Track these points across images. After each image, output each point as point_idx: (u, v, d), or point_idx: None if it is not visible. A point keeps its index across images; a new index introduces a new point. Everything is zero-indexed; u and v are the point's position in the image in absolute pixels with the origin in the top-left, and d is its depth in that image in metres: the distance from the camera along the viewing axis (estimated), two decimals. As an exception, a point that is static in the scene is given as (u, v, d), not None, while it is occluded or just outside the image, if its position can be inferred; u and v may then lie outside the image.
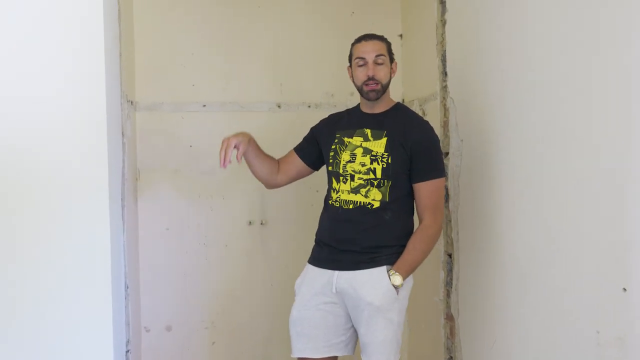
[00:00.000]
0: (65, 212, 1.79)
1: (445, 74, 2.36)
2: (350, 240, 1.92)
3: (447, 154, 2.34)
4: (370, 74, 1.92)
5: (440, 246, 2.40)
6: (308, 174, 2.18)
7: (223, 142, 1.93)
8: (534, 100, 1.74)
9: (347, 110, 2.14)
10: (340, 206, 1.95)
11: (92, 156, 1.79)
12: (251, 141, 2.02)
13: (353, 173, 1.93)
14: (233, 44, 2.78)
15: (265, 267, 2.83)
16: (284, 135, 2.63)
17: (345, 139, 1.99)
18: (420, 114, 2.65)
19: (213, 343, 2.80)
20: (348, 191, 1.94)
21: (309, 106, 2.85)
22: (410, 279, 1.96)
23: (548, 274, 1.69)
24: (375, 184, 1.91)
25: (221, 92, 2.76)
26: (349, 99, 2.80)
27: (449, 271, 2.34)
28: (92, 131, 1.79)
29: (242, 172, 2.56)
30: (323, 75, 2.84)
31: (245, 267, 2.81)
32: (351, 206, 1.93)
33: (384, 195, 1.91)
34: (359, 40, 1.98)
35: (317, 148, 2.11)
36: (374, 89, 1.94)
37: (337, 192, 1.97)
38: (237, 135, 1.98)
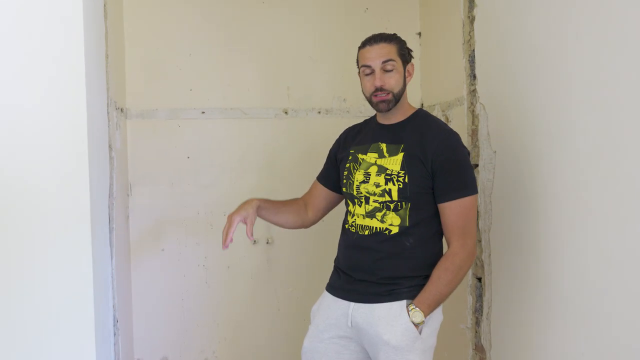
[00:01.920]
0: (39, 242, 1.56)
1: (473, 76, 2.20)
2: (366, 270, 1.77)
3: (476, 165, 2.18)
4: (378, 84, 1.74)
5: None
6: (339, 201, 2.01)
7: (227, 220, 1.82)
8: (580, 106, 1.56)
9: (365, 121, 1.96)
10: (356, 231, 1.81)
11: (70, 176, 1.56)
12: (261, 206, 1.91)
13: (367, 195, 1.78)
14: (235, 44, 2.66)
15: (272, 291, 2.70)
16: (291, 145, 2.68)
17: (359, 156, 1.84)
18: (443, 120, 2.48)
19: (214, 376, 2.66)
20: (363, 215, 1.79)
21: (319, 112, 2.72)
22: (438, 313, 1.78)
23: (603, 306, 1.51)
24: (392, 207, 1.74)
25: (222, 97, 2.64)
26: (364, 104, 2.66)
27: (479, 297, 2.19)
28: (71, 147, 1.56)
29: (245, 185, 2.59)
30: (334, 78, 2.71)
31: (250, 291, 2.68)
32: (367, 232, 1.78)
33: (402, 219, 1.74)
34: (363, 44, 1.79)
35: (338, 170, 1.96)
36: (383, 100, 1.76)
37: (353, 215, 1.83)
38: (240, 209, 1.86)
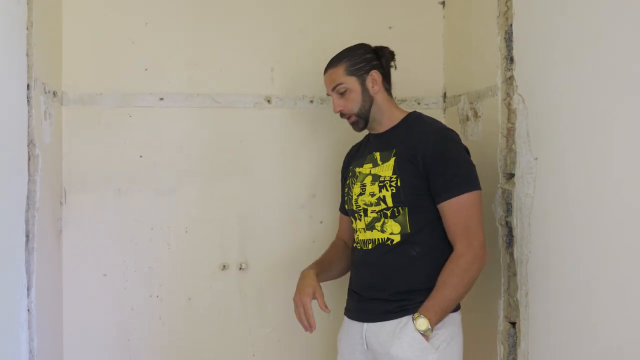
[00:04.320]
0: None
1: (510, 59, 2.18)
2: (375, 287, 2.06)
3: (512, 175, 2.16)
4: (335, 110, 2.15)
5: (497, 308, 2.22)
6: None
7: (296, 305, 2.05)
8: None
9: (366, 135, 2.27)
10: (361, 248, 2.11)
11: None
12: (317, 272, 2.12)
13: (365, 207, 2.08)
14: (204, 11, 2.63)
15: (246, 331, 2.65)
16: (275, 142, 2.68)
17: (357, 170, 2.16)
18: (471, 115, 2.50)
19: None
20: (364, 229, 2.10)
21: (312, 101, 2.69)
22: (457, 330, 2.02)
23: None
24: (389, 214, 2.03)
25: (186, 79, 2.62)
26: None
27: (512, 346, 2.16)
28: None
29: (215, 193, 2.64)
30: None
31: (217, 330, 2.64)
32: (370, 246, 2.08)
33: (403, 226, 2.02)
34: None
35: None
36: (352, 122, 2.16)
37: (356, 232, 2.15)
38: (304, 287, 2.07)
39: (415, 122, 2.11)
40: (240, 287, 2.63)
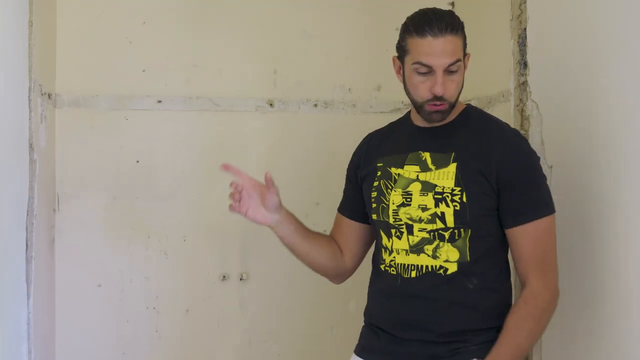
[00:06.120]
0: None
1: (524, 64, 2.19)
2: (419, 326, 1.76)
3: None
4: (439, 91, 1.70)
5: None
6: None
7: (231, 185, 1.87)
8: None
9: (392, 125, 1.94)
10: (398, 274, 1.79)
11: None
12: (289, 214, 1.93)
13: (410, 222, 1.76)
14: (204, 10, 2.65)
15: (246, 344, 2.67)
16: (277, 147, 2.67)
17: (393, 171, 1.81)
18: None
19: None
20: (406, 251, 1.78)
21: (315, 105, 2.71)
22: None
23: None
24: (447, 237, 1.73)
25: (184, 81, 2.64)
26: (375, 96, 2.73)
27: None
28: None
29: (214, 200, 2.50)
30: (336, 61, 2.72)
31: (216, 343, 2.66)
32: (414, 274, 1.77)
33: (462, 252, 1.74)
34: (421, 30, 1.69)
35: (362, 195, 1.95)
36: (440, 110, 1.74)
37: (391, 252, 1.82)
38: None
39: (480, 121, 1.83)
40: (241, 298, 2.65)
